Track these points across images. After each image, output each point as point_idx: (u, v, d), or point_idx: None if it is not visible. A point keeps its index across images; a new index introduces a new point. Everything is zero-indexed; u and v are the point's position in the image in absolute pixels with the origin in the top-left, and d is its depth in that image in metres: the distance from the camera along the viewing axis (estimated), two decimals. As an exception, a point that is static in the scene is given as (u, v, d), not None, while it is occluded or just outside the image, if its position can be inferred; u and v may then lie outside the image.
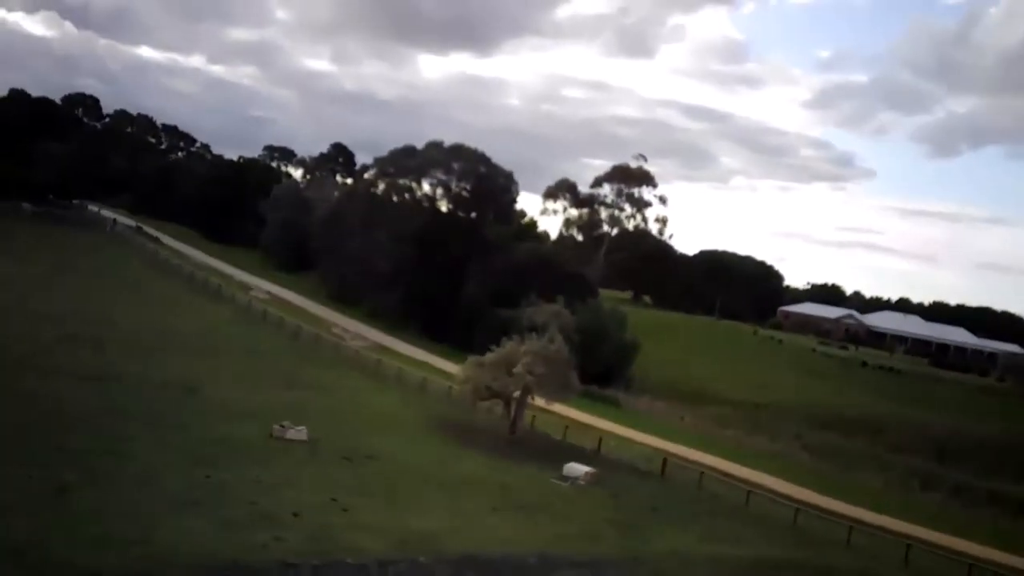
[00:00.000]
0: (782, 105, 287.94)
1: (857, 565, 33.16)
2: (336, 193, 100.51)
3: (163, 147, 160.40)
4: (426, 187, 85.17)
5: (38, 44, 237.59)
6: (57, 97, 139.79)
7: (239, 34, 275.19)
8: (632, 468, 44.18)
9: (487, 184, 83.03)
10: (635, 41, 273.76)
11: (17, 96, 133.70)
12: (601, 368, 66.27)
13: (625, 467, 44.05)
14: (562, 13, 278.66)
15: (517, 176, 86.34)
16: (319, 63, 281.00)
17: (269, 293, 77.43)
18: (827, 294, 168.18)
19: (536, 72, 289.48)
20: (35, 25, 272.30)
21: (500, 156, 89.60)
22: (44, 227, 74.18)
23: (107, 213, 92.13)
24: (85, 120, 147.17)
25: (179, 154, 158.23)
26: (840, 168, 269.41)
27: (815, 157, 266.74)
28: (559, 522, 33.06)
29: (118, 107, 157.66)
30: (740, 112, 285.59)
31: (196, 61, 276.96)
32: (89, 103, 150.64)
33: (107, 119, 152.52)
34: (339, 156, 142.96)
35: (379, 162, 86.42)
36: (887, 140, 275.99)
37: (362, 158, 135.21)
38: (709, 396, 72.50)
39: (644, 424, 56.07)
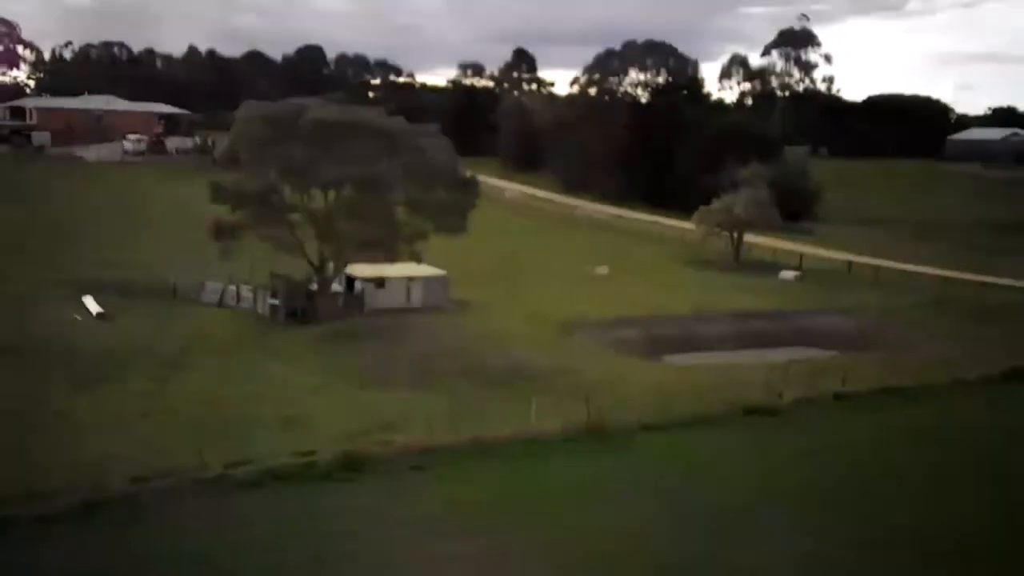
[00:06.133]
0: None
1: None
2: (525, 100, 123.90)
3: (378, 81, 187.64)
4: (627, 85, 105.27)
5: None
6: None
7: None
8: (826, 271, 64.42)
9: (678, 77, 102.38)
10: None
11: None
12: (793, 210, 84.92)
13: (821, 271, 64.31)
14: None
15: (674, 38, 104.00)
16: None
17: (520, 192, 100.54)
18: (1006, 117, 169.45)
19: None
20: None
21: (656, 20, 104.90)
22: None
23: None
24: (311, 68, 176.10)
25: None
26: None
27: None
28: (781, 297, 54.22)
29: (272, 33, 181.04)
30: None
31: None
32: (315, 53, 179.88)
33: (331, 64, 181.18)
34: (522, 62, 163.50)
35: (587, 69, 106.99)
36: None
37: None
38: (884, 220, 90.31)
39: (832, 244, 75.28)
